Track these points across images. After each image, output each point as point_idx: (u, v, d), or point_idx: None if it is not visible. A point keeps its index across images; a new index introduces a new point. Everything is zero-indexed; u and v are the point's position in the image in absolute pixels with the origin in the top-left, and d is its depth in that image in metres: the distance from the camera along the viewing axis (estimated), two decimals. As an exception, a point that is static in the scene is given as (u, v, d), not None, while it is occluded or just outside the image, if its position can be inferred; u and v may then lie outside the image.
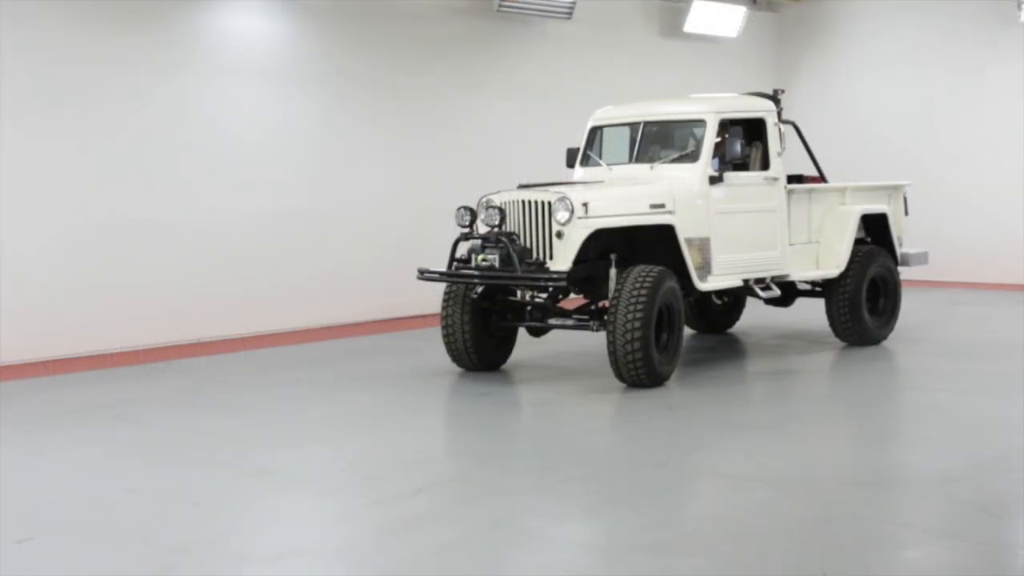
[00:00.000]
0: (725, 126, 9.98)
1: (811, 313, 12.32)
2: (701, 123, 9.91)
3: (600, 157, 10.47)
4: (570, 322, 9.54)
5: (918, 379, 9.43)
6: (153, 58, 11.15)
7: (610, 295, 8.82)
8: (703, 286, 9.53)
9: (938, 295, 15.33)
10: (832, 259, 10.90)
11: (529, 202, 9.05)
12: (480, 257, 8.96)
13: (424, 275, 9.47)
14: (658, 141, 10.24)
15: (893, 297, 11.35)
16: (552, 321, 9.60)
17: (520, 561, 5.14)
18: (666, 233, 9.33)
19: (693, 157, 9.77)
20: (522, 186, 9.54)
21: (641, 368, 8.73)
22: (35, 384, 9.76)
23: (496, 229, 8.94)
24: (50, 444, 7.59)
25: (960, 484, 6.19)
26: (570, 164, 10.68)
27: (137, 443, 7.59)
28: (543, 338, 10.30)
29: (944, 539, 5.34)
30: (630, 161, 10.16)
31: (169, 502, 6.16)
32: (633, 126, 10.30)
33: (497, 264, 8.86)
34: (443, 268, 9.39)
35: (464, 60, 13.89)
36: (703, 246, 9.57)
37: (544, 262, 8.88)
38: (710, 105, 10.07)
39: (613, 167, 10.21)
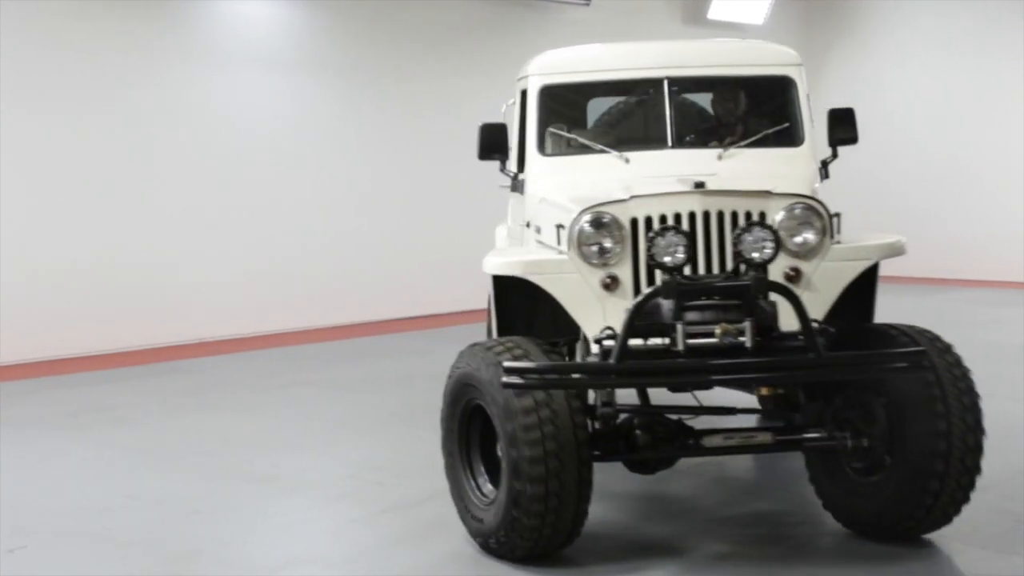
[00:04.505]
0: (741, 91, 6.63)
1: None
2: (780, 82, 6.48)
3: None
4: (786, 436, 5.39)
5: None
6: (156, 47, 11.17)
7: None
8: None
9: (969, 294, 15.24)
10: None
11: (728, 214, 5.28)
12: (719, 331, 4.85)
13: (548, 380, 4.96)
14: (694, 112, 6.73)
15: None
16: (749, 440, 5.33)
17: (533, 572, 5.11)
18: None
19: (791, 137, 6.35)
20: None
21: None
22: (31, 385, 9.77)
23: (754, 271, 5.03)
24: (47, 447, 7.59)
25: (997, 492, 6.13)
26: (491, 151, 6.64)
27: (137, 447, 7.58)
28: None
29: (980, 549, 5.30)
30: (666, 143, 6.25)
31: (170, 509, 6.15)
32: (641, 86, 6.57)
33: (748, 341, 4.87)
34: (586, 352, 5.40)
35: (480, 47, 13.87)
36: None
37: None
38: (788, 54, 6.63)
39: (629, 155, 6.21)
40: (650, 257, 5.01)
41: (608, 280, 5.23)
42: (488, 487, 5.36)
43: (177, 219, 11.33)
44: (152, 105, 11.16)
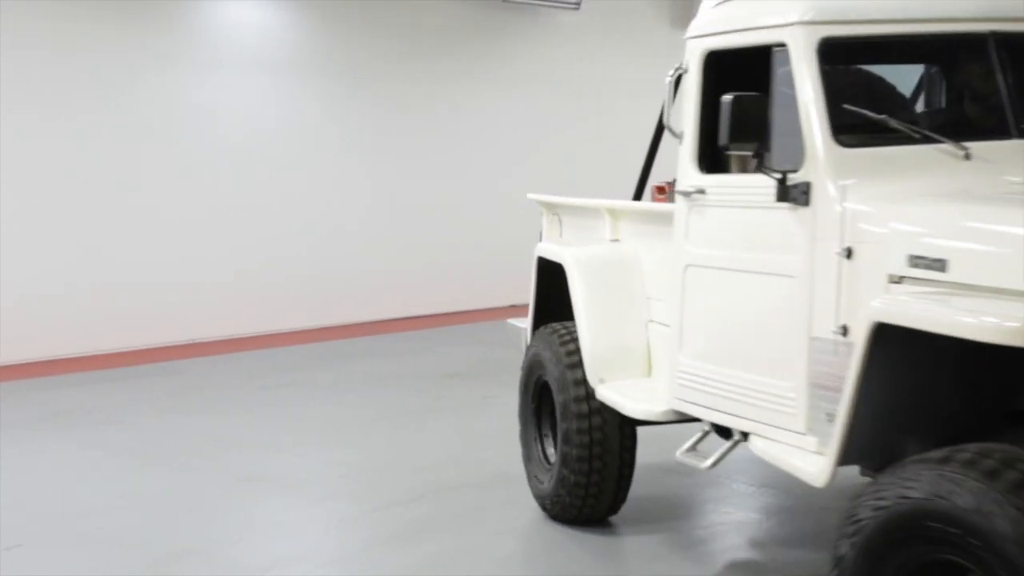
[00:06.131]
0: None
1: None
2: None
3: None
4: None
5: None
6: (147, 50, 11.18)
7: None
8: None
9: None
10: None
11: None
12: None
13: None
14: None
15: None
16: None
17: (524, 572, 5.18)
18: None
19: None
20: None
21: None
22: (21, 386, 9.74)
23: None
24: (38, 449, 7.62)
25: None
26: (745, 136, 4.30)
27: (128, 448, 7.62)
28: None
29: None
30: (1007, 130, 4.20)
31: (161, 509, 6.20)
32: (952, 44, 4.53)
33: None
34: None
35: (470, 51, 13.93)
36: None
37: None
38: None
39: (969, 147, 4.07)
40: None
41: None
42: None
43: (166, 220, 11.35)
44: (141, 107, 11.18)
